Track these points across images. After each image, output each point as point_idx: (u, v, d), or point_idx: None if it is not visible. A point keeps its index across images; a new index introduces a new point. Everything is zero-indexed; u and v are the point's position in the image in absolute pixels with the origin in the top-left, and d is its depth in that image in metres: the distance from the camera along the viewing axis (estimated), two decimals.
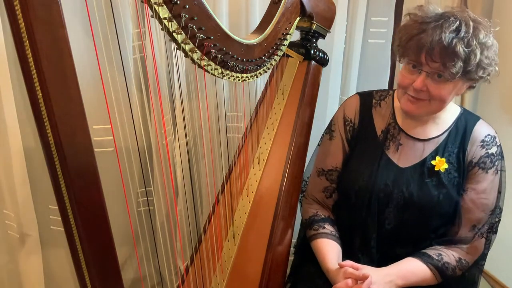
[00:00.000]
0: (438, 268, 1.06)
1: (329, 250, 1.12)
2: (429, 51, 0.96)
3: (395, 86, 1.70)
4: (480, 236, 1.08)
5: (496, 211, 1.09)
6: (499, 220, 1.12)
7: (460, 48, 0.94)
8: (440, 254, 1.08)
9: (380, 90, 1.22)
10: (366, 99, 1.20)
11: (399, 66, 1.65)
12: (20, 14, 0.56)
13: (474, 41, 0.95)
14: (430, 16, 0.99)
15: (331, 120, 1.24)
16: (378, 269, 1.05)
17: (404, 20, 1.07)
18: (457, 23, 0.96)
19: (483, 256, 1.14)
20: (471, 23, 0.96)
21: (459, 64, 0.95)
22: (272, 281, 1.06)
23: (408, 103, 1.05)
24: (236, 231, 1.12)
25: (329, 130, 1.23)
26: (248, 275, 1.06)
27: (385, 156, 1.13)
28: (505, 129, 1.49)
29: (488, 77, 1.03)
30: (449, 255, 1.08)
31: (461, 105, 1.18)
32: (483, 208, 1.07)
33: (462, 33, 0.95)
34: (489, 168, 1.07)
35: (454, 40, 0.94)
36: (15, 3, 0.55)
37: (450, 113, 1.12)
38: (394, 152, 1.13)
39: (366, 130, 1.17)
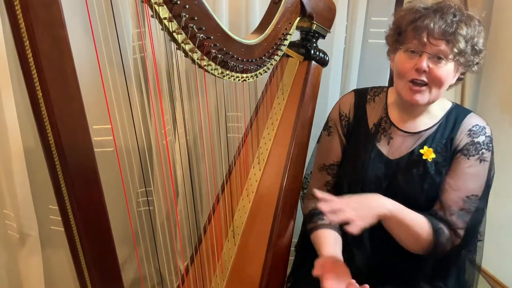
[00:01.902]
0: (436, 228, 1.04)
1: (327, 238, 1.12)
2: (431, 31, 1.00)
3: None
4: (455, 218, 1.06)
5: (476, 200, 1.06)
6: (483, 212, 1.09)
7: (463, 28, 1.00)
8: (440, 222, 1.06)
9: (375, 87, 1.25)
10: (361, 95, 1.23)
11: None
12: (21, 14, 0.56)
13: (471, 25, 1.02)
14: (426, 5, 1.05)
15: (328, 118, 1.26)
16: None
17: (396, 14, 1.11)
18: (453, 9, 1.02)
19: (473, 246, 1.14)
20: (464, 11, 1.04)
21: (462, 41, 1.01)
22: (272, 281, 1.06)
23: (411, 93, 1.06)
24: (236, 231, 1.12)
25: (327, 127, 1.25)
26: (248, 275, 1.06)
27: (376, 149, 1.15)
28: (505, 129, 1.49)
29: (476, 66, 1.08)
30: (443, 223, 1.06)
31: (456, 103, 1.18)
32: (459, 192, 1.06)
33: (458, 17, 1.02)
34: (472, 155, 1.07)
35: (455, 20, 1.01)
36: (15, 3, 0.55)
37: (441, 107, 1.14)
38: (385, 145, 1.15)
39: (360, 124, 1.19)
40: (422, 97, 1.06)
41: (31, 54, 0.57)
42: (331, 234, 1.13)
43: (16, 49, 0.58)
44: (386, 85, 1.67)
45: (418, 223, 1.04)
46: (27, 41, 0.57)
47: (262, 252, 1.06)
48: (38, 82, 0.59)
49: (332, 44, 1.56)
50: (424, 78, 1.04)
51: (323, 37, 1.31)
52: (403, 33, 1.06)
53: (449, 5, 1.03)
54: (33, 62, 0.58)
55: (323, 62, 1.32)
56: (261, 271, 1.04)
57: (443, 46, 1.01)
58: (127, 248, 1.56)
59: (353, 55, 1.63)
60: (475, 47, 1.03)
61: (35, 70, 0.58)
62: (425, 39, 1.01)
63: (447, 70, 1.03)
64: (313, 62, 1.29)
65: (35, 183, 1.35)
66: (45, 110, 0.60)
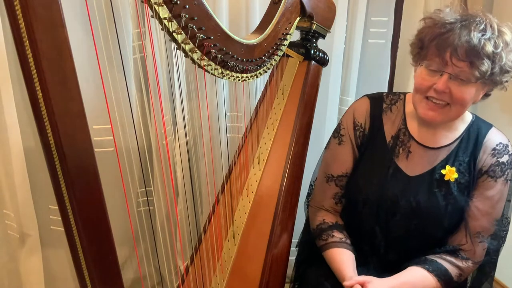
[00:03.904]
0: (443, 278, 1.04)
1: (342, 259, 1.09)
2: (455, 50, 0.94)
3: (395, 87, 1.70)
4: (483, 244, 1.06)
5: (503, 221, 1.07)
6: (507, 231, 1.10)
7: (489, 48, 0.92)
8: (446, 263, 1.06)
9: (391, 94, 1.18)
10: (377, 103, 1.16)
11: (399, 66, 1.66)
12: (20, 14, 0.56)
13: (501, 43, 0.94)
14: (453, 17, 0.98)
15: (340, 124, 1.19)
16: (382, 280, 1.02)
17: (422, 23, 1.04)
18: (483, 24, 0.95)
19: (490, 265, 1.13)
20: (496, 26, 0.96)
21: (488, 63, 0.93)
22: (272, 281, 1.06)
23: (428, 111, 1.01)
24: (236, 231, 1.12)
25: (338, 134, 1.18)
26: (248, 275, 1.06)
27: (394, 165, 1.10)
28: (505, 129, 1.49)
29: (506, 83, 1.01)
30: (454, 265, 1.06)
31: (476, 114, 1.14)
32: (489, 217, 1.05)
33: (488, 34, 0.93)
34: (498, 177, 1.04)
35: (482, 40, 0.92)
36: (15, 3, 0.55)
37: (462, 121, 1.10)
38: (404, 160, 1.10)
39: (376, 136, 1.14)
40: (437, 116, 1.01)
41: (31, 54, 0.57)
42: (347, 254, 1.11)
43: (16, 49, 0.58)
44: (386, 85, 1.68)
45: (422, 284, 1.04)
46: (27, 41, 0.57)
47: (262, 252, 1.06)
48: (38, 82, 0.59)
49: (332, 44, 1.56)
50: (443, 98, 0.98)
51: (323, 37, 1.31)
52: (425, 49, 1.00)
53: (479, 20, 0.95)
54: (33, 62, 0.58)
55: (323, 62, 1.32)
56: (261, 271, 1.04)
57: (465, 68, 0.94)
58: (127, 248, 1.56)
59: (353, 55, 1.63)
60: (504, 67, 0.96)
61: (35, 70, 0.58)
62: (448, 59, 0.95)
63: (469, 91, 0.97)
64: (313, 62, 1.29)
65: (35, 183, 1.35)
66: (45, 110, 0.60)
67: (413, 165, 1.10)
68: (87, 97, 0.67)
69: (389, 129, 1.13)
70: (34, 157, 1.33)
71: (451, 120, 1.05)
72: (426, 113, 1.02)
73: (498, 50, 0.94)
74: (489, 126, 1.10)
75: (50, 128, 0.61)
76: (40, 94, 0.59)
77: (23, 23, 0.56)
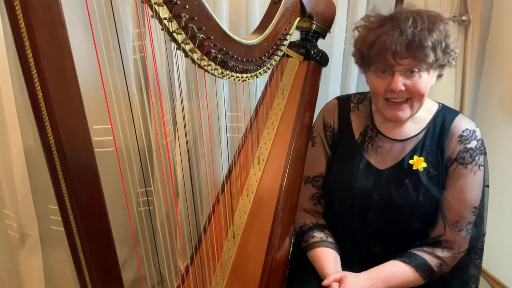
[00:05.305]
0: (422, 269, 1.04)
1: (323, 258, 1.11)
2: (395, 51, 0.96)
3: None
4: (463, 233, 1.06)
5: (480, 207, 1.06)
6: (482, 215, 1.09)
7: (427, 38, 0.95)
8: (425, 254, 1.06)
9: (358, 93, 1.22)
10: (345, 103, 1.20)
11: None
12: (21, 14, 0.56)
13: (435, 29, 0.97)
14: (381, 20, 1.01)
15: (312, 128, 1.23)
16: (358, 274, 1.04)
17: (356, 34, 1.08)
18: (411, 18, 0.97)
19: (477, 252, 1.13)
20: (424, 15, 0.98)
21: (431, 53, 0.96)
22: (272, 281, 1.06)
23: (395, 112, 1.04)
24: (236, 231, 1.12)
25: (311, 137, 1.22)
26: (248, 275, 1.06)
27: (364, 159, 1.12)
28: (505, 129, 1.49)
29: (453, 61, 1.04)
30: (434, 255, 1.06)
31: (441, 103, 1.15)
32: (465, 205, 1.05)
33: (419, 26, 0.96)
34: (468, 163, 1.04)
35: (416, 33, 0.95)
36: (15, 3, 0.55)
37: (427, 111, 1.11)
38: (373, 154, 1.12)
39: (345, 135, 1.16)
40: (403, 113, 1.04)
41: (31, 54, 0.57)
42: (329, 253, 1.12)
43: (16, 49, 0.58)
44: None
45: (406, 280, 1.04)
46: (27, 41, 0.57)
47: (262, 252, 1.06)
48: (38, 82, 0.59)
49: (332, 44, 1.56)
50: (402, 96, 1.01)
51: (323, 37, 1.31)
52: (367, 56, 1.03)
53: (406, 16, 0.98)
54: (33, 62, 0.58)
55: (323, 62, 1.32)
56: (261, 271, 1.04)
57: (411, 63, 0.97)
58: (127, 248, 1.56)
59: None
60: (446, 49, 1.00)
61: (35, 70, 0.58)
62: (391, 60, 0.98)
63: (424, 80, 1.00)
64: (313, 62, 1.29)
65: (35, 183, 1.35)
66: (45, 110, 0.60)
67: (382, 159, 1.11)
68: (87, 97, 0.66)
69: (357, 127, 1.16)
70: (34, 157, 1.33)
71: (417, 112, 1.07)
72: (394, 114, 1.05)
73: (435, 37, 0.96)
74: (456, 113, 1.11)
75: (50, 128, 0.61)
76: (40, 94, 0.59)
77: (23, 23, 0.56)
